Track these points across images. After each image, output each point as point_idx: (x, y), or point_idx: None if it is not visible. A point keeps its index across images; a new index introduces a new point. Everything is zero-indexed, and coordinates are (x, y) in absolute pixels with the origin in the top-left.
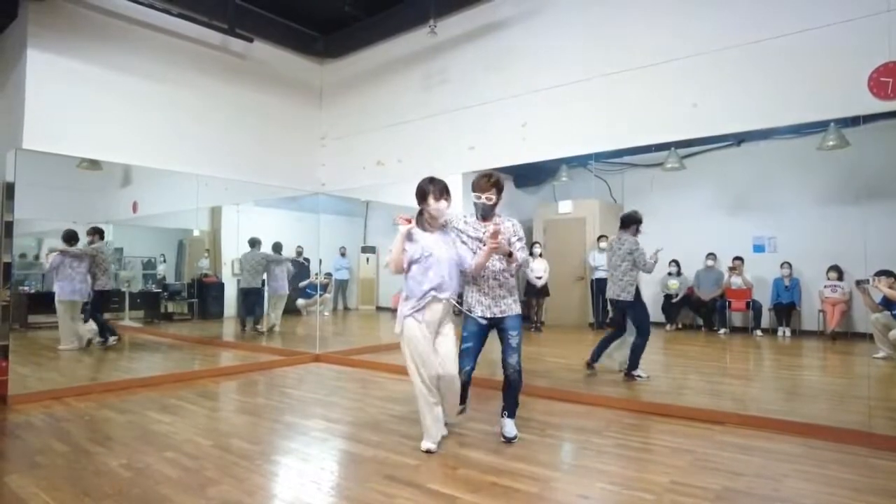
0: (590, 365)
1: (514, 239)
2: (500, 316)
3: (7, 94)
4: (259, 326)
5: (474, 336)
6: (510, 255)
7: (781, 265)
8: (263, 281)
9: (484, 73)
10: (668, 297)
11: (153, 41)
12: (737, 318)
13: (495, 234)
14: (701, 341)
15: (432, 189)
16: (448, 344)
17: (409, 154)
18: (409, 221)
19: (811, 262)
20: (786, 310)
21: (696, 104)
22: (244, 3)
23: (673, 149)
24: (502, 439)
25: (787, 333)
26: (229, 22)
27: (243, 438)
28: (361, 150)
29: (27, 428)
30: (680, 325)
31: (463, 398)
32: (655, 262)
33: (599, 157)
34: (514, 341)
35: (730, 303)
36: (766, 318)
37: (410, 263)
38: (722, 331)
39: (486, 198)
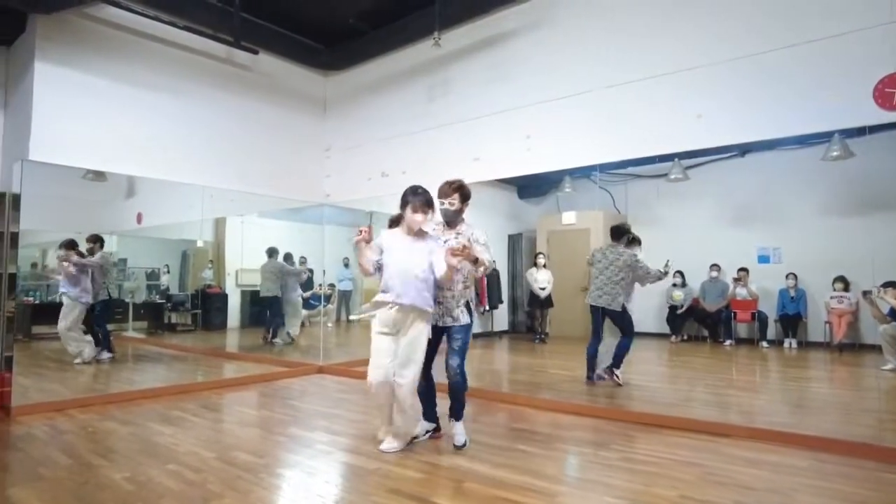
0: (590, 379)
1: (476, 244)
2: (450, 325)
3: (14, 106)
4: (277, 340)
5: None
6: (476, 260)
7: (787, 276)
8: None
9: (488, 85)
10: (672, 308)
11: (159, 53)
12: (742, 330)
13: (455, 252)
14: (706, 353)
15: (411, 200)
16: (407, 350)
17: (414, 165)
18: (362, 233)
19: (817, 273)
20: (792, 321)
21: (700, 115)
22: (250, 15)
23: (677, 160)
24: (453, 446)
25: (794, 345)
26: (235, 34)
27: (247, 451)
28: (366, 161)
29: (30, 440)
30: (685, 337)
31: (428, 414)
32: (666, 272)
33: (603, 167)
34: (456, 344)
35: (735, 314)
36: (772, 330)
37: (381, 266)
38: (727, 342)
39: (449, 203)
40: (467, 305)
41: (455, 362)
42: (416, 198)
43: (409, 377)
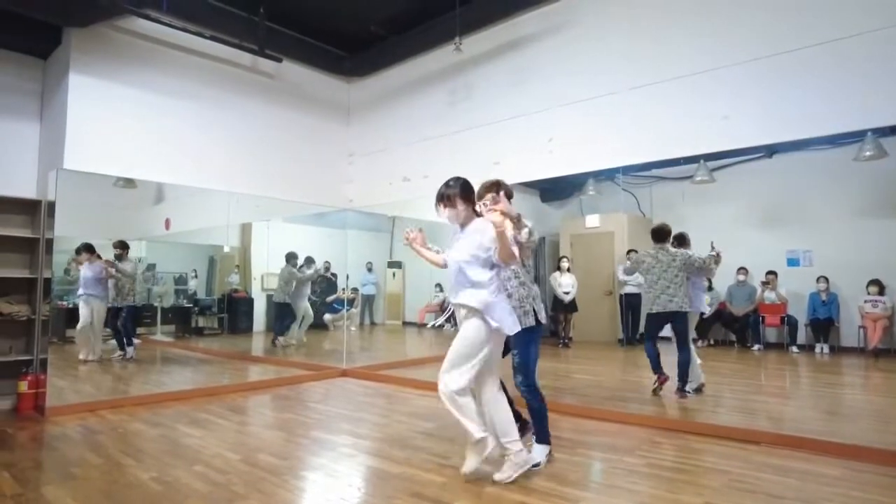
0: (682, 391)
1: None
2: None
3: (50, 117)
4: (280, 338)
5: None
6: (518, 218)
7: (818, 279)
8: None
9: (509, 89)
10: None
11: (186, 63)
12: (771, 334)
13: (495, 202)
14: (734, 358)
15: (439, 197)
16: (452, 348)
17: (435, 170)
18: (412, 233)
19: (850, 277)
20: (823, 325)
21: (726, 116)
22: (273, 24)
23: (702, 161)
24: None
25: (826, 350)
26: (259, 43)
27: (271, 453)
28: (388, 166)
29: (63, 439)
30: (712, 342)
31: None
32: (717, 257)
33: (627, 170)
34: (515, 360)
35: (763, 318)
36: (803, 334)
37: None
38: (756, 347)
39: (482, 204)
40: (535, 316)
41: (517, 380)
42: (440, 191)
43: (449, 381)
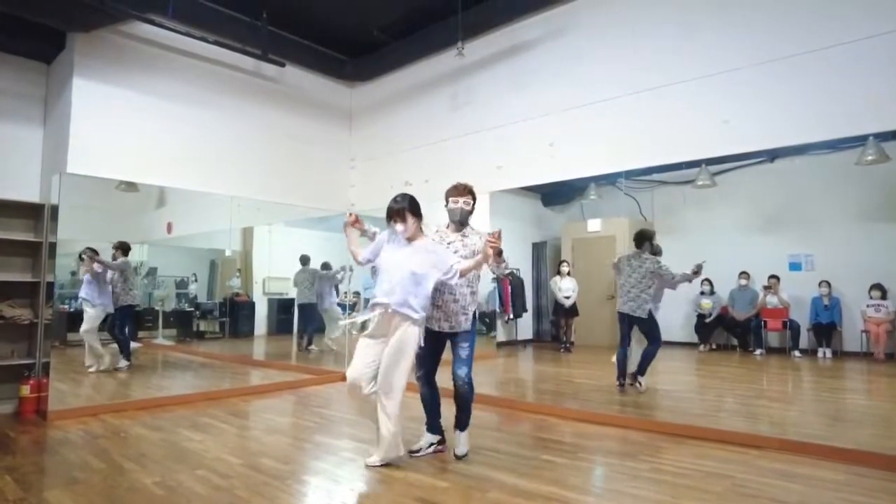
0: (621, 385)
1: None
2: (448, 332)
3: (54, 121)
4: (313, 347)
5: (426, 344)
6: (500, 253)
7: (820, 284)
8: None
9: (510, 93)
10: (700, 316)
11: (189, 67)
12: (773, 339)
13: (490, 241)
14: (736, 362)
15: (391, 212)
16: (391, 354)
17: (437, 174)
18: (351, 216)
19: (852, 281)
20: (826, 330)
21: (727, 120)
22: (276, 29)
23: (704, 165)
24: (454, 456)
25: (828, 354)
26: (262, 48)
27: (273, 458)
28: (390, 170)
29: (66, 444)
30: (714, 346)
31: (432, 426)
32: (696, 272)
33: (629, 174)
34: (463, 353)
35: (765, 322)
36: (805, 339)
37: (374, 269)
38: (758, 351)
39: (464, 202)
40: (474, 315)
41: (462, 371)
42: (393, 207)
43: (397, 387)
